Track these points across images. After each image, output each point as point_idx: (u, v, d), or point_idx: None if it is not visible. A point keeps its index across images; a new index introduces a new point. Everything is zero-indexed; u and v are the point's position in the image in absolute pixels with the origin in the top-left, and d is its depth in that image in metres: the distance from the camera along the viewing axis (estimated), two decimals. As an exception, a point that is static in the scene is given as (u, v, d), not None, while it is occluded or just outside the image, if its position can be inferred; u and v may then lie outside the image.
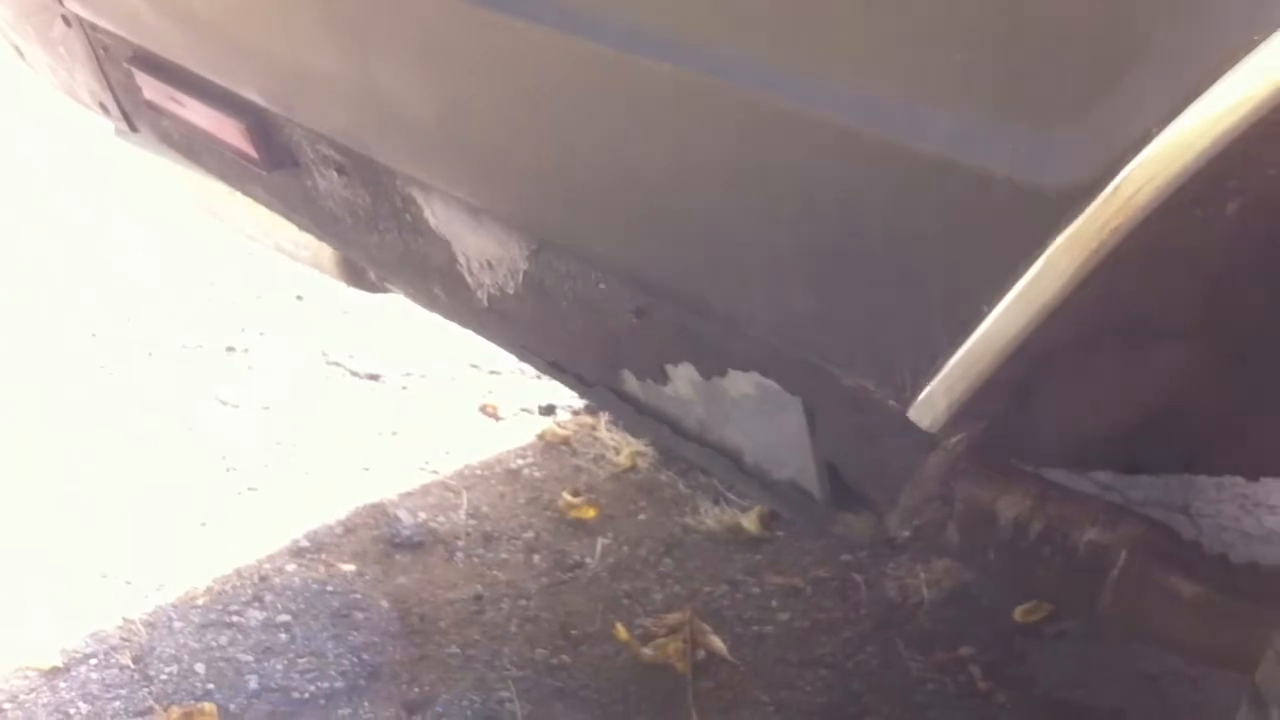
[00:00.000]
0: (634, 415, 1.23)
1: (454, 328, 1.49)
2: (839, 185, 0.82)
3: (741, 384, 1.06)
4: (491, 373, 2.63)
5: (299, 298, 2.90)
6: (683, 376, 1.12)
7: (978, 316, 0.78)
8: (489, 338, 1.39)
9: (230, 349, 2.71)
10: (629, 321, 1.12)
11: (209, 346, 2.72)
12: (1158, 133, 0.65)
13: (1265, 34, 0.61)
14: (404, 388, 2.61)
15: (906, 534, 1.04)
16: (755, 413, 1.07)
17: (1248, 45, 0.62)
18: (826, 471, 1.04)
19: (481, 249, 1.25)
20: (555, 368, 1.30)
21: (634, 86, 0.92)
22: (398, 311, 2.35)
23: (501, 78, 1.01)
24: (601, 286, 1.13)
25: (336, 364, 2.67)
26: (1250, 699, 0.84)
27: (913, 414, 0.87)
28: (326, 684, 1.78)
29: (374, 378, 2.63)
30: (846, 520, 1.07)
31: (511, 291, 1.25)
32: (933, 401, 0.85)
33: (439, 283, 1.36)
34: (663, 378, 1.15)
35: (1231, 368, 1.00)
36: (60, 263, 3.02)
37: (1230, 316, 0.96)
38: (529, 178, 1.08)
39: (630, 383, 1.20)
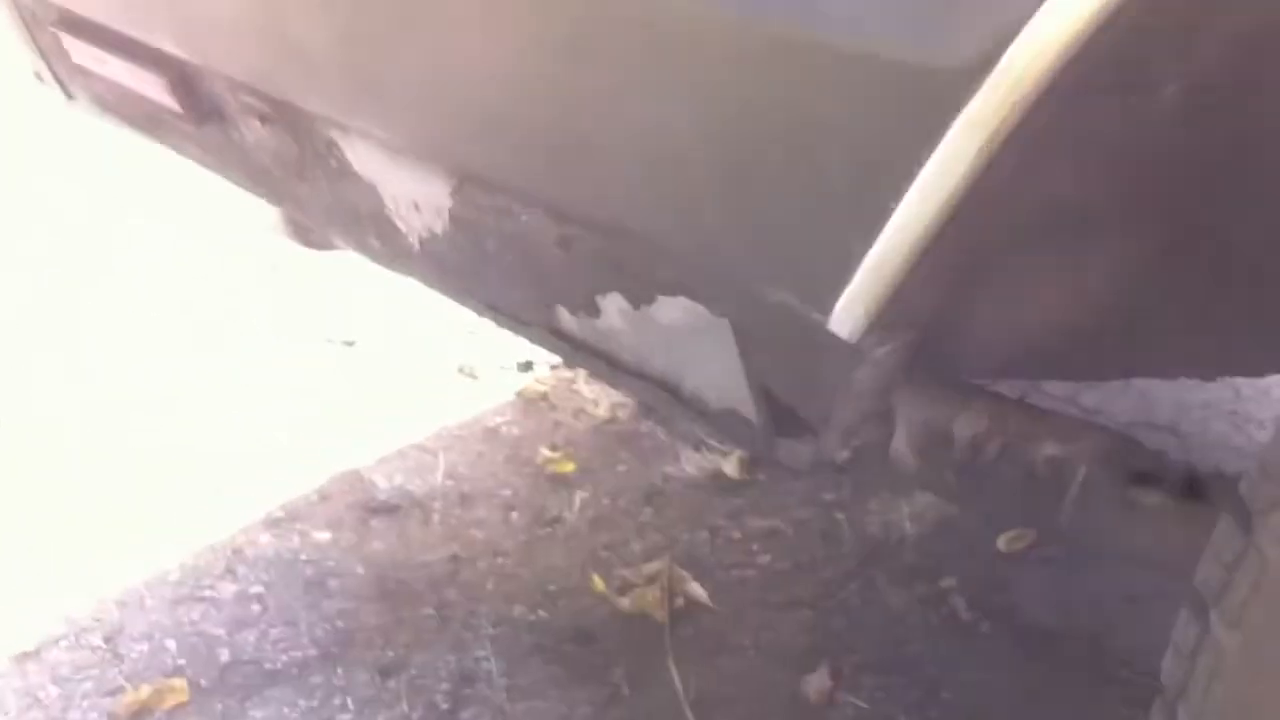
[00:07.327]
0: (572, 353, 1.19)
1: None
2: (731, 84, 0.77)
3: (670, 310, 1.02)
4: (468, 332, 2.59)
5: (273, 266, 2.85)
6: (613, 307, 1.08)
7: (885, 213, 0.73)
8: (427, 283, 1.35)
9: (204, 318, 2.67)
10: (555, 253, 1.08)
11: (180, 316, 2.68)
12: (1043, 3, 0.60)
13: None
14: (380, 351, 2.57)
15: (845, 455, 1.00)
16: (687, 340, 1.03)
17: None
18: (762, 395, 1.00)
19: (407, 190, 1.20)
20: (493, 309, 1.26)
21: (526, 3, 0.88)
22: (371, 275, 2.31)
23: (395, 5, 0.97)
24: (524, 218, 1.08)
25: (311, 330, 2.63)
26: (1190, 602, 0.80)
27: (833, 324, 0.82)
28: (299, 653, 1.74)
29: (349, 343, 2.59)
30: (787, 446, 1.03)
31: (440, 232, 1.20)
32: (851, 309, 0.80)
33: (372, 229, 1.32)
34: (594, 310, 1.10)
35: (1177, 261, 0.95)
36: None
37: (1175, 207, 0.91)
38: (436, 109, 1.04)
39: (565, 319, 1.15)
